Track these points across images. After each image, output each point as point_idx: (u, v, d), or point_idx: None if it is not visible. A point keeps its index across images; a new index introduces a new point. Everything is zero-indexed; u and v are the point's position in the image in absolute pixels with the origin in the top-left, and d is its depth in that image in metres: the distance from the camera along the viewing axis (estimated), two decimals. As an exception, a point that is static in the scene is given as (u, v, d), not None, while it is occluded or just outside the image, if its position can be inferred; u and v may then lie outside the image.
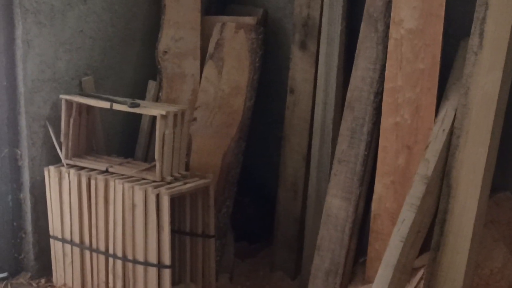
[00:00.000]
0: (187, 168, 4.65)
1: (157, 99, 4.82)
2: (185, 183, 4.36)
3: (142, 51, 4.90)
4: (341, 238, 4.23)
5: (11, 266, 4.74)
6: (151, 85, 4.84)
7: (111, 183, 4.36)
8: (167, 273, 4.28)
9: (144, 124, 4.87)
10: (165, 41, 4.82)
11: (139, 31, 4.87)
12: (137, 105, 4.38)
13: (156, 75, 4.88)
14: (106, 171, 4.46)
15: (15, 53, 4.49)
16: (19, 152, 4.62)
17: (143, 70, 4.90)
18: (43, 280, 4.71)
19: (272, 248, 4.87)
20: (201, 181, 4.42)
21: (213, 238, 4.53)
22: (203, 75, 4.78)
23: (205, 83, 4.78)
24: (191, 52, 4.81)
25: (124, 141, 4.91)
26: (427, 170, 3.68)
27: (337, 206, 4.24)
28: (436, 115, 3.84)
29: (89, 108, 4.59)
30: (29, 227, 4.69)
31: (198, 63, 4.80)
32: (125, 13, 4.78)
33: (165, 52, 4.82)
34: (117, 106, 4.42)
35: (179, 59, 4.81)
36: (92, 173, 4.44)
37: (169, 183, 4.33)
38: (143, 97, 4.84)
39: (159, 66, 4.85)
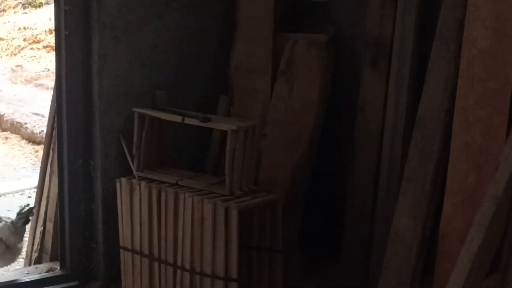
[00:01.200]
0: (256, 183, 4.68)
1: (228, 114, 4.87)
2: (254, 198, 4.39)
3: (214, 66, 4.96)
4: (408, 257, 4.21)
5: (81, 275, 4.84)
6: (223, 100, 4.90)
7: (181, 196, 4.42)
8: (234, 286, 4.31)
9: (215, 138, 4.92)
10: (237, 56, 4.88)
11: (212, 47, 4.94)
12: (209, 120, 4.45)
13: (227, 90, 4.93)
14: (176, 184, 4.51)
15: (92, 66, 4.60)
16: (92, 163, 4.72)
17: (215, 85, 4.96)
18: (112, 290, 4.80)
19: (339, 265, 4.86)
20: (269, 196, 4.45)
21: (279, 253, 4.55)
22: (274, 92, 4.82)
23: (276, 99, 4.82)
24: (263, 68, 4.85)
25: (195, 155, 4.97)
26: (497, 190, 3.63)
27: (404, 225, 4.22)
28: (507, 135, 3.80)
29: (161, 121, 4.66)
30: (100, 237, 4.79)
31: (269, 79, 4.84)
32: (199, 29, 4.85)
33: (237, 67, 4.88)
34: (188, 120, 4.49)
35: (251, 74, 4.87)
36: (162, 185, 4.51)
37: (238, 197, 4.36)
38: (214, 112, 4.89)
39: (230, 82, 4.91)
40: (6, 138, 8.77)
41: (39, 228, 5.32)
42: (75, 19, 4.54)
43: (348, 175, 4.75)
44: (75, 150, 4.69)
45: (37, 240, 5.34)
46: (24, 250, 5.74)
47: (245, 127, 4.37)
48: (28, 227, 5.99)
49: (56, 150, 4.89)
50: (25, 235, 4.99)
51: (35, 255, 5.36)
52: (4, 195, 7.17)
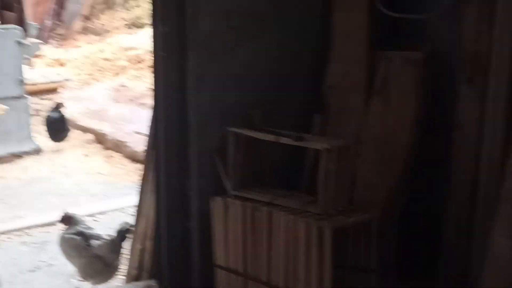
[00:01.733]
0: (351, 202, 4.65)
1: (322, 133, 4.86)
2: (348, 217, 4.36)
3: (309, 85, 4.96)
4: (508, 279, 4.10)
5: (181, 293, 4.89)
6: (317, 119, 4.89)
7: (275, 215, 4.42)
8: (327, 306, 4.29)
9: (309, 157, 4.91)
10: (332, 75, 4.87)
11: (307, 65, 4.94)
12: (302, 139, 4.45)
13: (322, 109, 4.92)
14: (270, 203, 4.52)
15: (187, 87, 4.66)
16: (188, 182, 4.77)
17: (309, 104, 4.95)
18: (208, 308, 4.83)
19: (435, 285, 4.77)
20: (364, 216, 4.41)
21: (374, 273, 4.50)
22: (369, 110, 4.78)
23: (371, 118, 4.78)
24: (358, 87, 4.82)
25: (290, 174, 4.96)
26: None
27: (503, 246, 4.11)
28: None
29: (256, 140, 4.68)
30: (196, 255, 4.83)
31: (364, 97, 4.81)
32: (294, 47, 4.86)
33: (332, 86, 4.87)
34: (282, 140, 4.50)
35: (346, 93, 4.84)
36: (256, 204, 4.52)
37: (331, 216, 4.34)
38: (308, 131, 4.88)
39: (325, 100, 4.89)
40: (109, 156, 8.97)
41: (138, 246, 5.40)
42: (170, 40, 4.61)
43: (444, 194, 4.67)
44: (171, 169, 4.75)
45: (136, 258, 5.42)
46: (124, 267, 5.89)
47: (339, 146, 4.35)
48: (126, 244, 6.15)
49: (153, 168, 4.96)
50: (122, 252, 5.05)
51: (134, 272, 5.44)
52: (106, 212, 7.32)
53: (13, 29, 9.10)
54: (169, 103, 4.70)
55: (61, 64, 13.72)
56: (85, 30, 15.40)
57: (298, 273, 4.35)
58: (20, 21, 9.35)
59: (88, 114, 10.70)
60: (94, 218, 7.11)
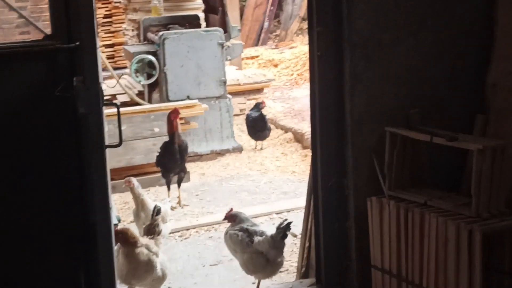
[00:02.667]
0: (509, 205, 4.47)
1: (483, 133, 4.70)
2: (502, 221, 4.21)
3: (471, 84, 4.80)
4: None
5: (336, 291, 4.92)
6: (479, 119, 4.74)
7: (426, 217, 4.35)
8: (477, 312, 4.17)
9: (470, 159, 4.76)
10: (494, 74, 4.70)
11: (467, 64, 4.78)
12: (456, 139, 4.34)
13: (483, 109, 4.76)
14: (425, 204, 4.45)
15: (343, 86, 4.68)
16: (345, 182, 4.79)
17: (470, 104, 4.80)
18: (364, 308, 4.83)
19: None
20: (520, 220, 4.24)
21: (532, 281, 4.31)
22: (532, 110, 4.58)
23: (534, 118, 4.57)
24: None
25: (451, 175, 4.83)
26: None
27: None
28: None
29: (414, 141, 4.61)
30: (353, 255, 4.84)
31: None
32: (454, 46, 4.74)
33: (494, 85, 4.69)
34: (436, 139, 4.42)
35: (508, 93, 4.65)
36: (410, 205, 4.47)
37: (484, 219, 4.21)
38: (470, 132, 4.74)
39: (487, 100, 4.73)
40: (306, 155, 9.10)
41: (306, 243, 5.48)
42: (326, 40, 4.65)
43: None
44: (328, 168, 4.78)
45: (304, 255, 5.51)
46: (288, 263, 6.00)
47: (493, 146, 4.21)
48: (291, 241, 6.26)
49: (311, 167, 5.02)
50: (283, 249, 5.14)
51: (302, 269, 5.53)
52: (294, 210, 7.46)
53: (216, 32, 9.46)
54: (325, 103, 4.73)
55: (274, 65, 14.07)
56: (301, 31, 15.68)
57: (448, 276, 4.26)
58: (223, 24, 9.69)
59: (291, 113, 10.91)
60: (281, 216, 7.26)
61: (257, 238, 5.08)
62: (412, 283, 4.48)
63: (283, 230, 5.01)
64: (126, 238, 5.07)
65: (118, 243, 5.07)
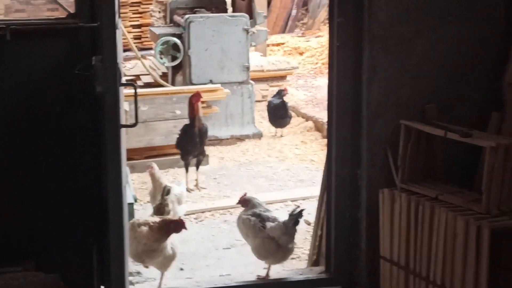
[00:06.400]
0: (521, 204, 4.48)
1: (499, 131, 4.71)
2: (511, 218, 4.23)
3: (488, 81, 4.80)
4: None
5: (345, 280, 4.97)
6: (494, 116, 4.74)
7: (436, 211, 4.38)
8: (482, 308, 4.20)
9: (484, 155, 4.77)
10: (511, 72, 4.70)
11: (487, 61, 4.78)
12: (469, 135, 4.36)
13: (500, 106, 4.76)
14: (436, 198, 4.47)
15: (361, 77, 4.71)
16: (359, 172, 4.82)
17: (488, 101, 4.80)
18: (373, 297, 4.87)
19: None
20: (529, 218, 4.26)
21: (538, 279, 4.33)
22: (548, 109, 4.58)
23: (550, 118, 4.57)
24: (538, 85, 4.63)
25: (465, 171, 4.85)
26: None
27: None
28: None
29: (429, 135, 4.63)
30: (363, 245, 4.88)
31: (545, 96, 4.60)
32: (474, 42, 4.74)
33: (511, 84, 4.69)
34: (450, 135, 4.43)
35: (525, 91, 4.67)
36: (421, 199, 4.49)
37: (494, 216, 4.23)
38: (485, 128, 4.75)
39: (504, 98, 4.74)
40: (325, 144, 9.10)
41: (318, 232, 5.52)
42: (346, 30, 4.68)
43: None
44: (343, 158, 4.82)
45: (315, 243, 5.55)
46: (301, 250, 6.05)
47: (506, 144, 4.23)
48: (305, 229, 6.30)
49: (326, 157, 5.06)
50: (294, 235, 5.18)
51: (313, 257, 5.57)
52: (309, 198, 7.50)
53: (241, 17, 9.49)
54: (343, 93, 4.76)
55: (300, 53, 14.08)
56: (329, 20, 15.64)
57: (455, 271, 4.28)
58: (250, 10, 9.71)
59: (313, 102, 10.92)
60: (296, 203, 7.30)
61: (269, 224, 5.12)
62: (419, 275, 4.51)
63: (296, 217, 5.05)
64: (179, 230, 5.11)
65: (157, 228, 5.11)
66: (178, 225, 5.11)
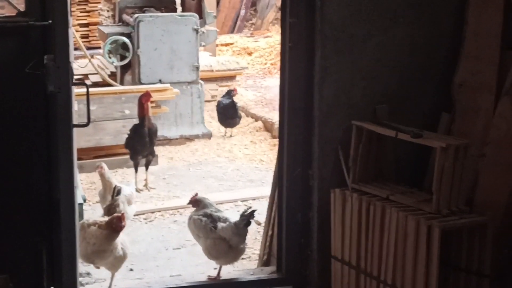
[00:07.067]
0: (471, 203, 4.54)
1: (448, 131, 4.77)
2: (461, 218, 4.29)
3: (438, 82, 4.87)
4: None
5: (296, 280, 4.99)
6: (444, 117, 4.81)
7: (387, 211, 4.42)
8: (431, 306, 4.25)
9: (434, 156, 4.83)
10: (461, 74, 4.77)
11: (437, 63, 4.85)
12: (420, 136, 4.41)
13: (449, 107, 4.83)
14: (387, 198, 4.51)
15: (313, 77, 4.73)
16: (310, 172, 4.84)
17: (437, 102, 4.87)
18: (323, 298, 4.89)
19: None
20: (478, 218, 4.32)
21: (487, 278, 4.39)
22: (496, 111, 4.64)
23: (498, 119, 4.64)
24: (487, 86, 4.70)
25: (415, 171, 4.90)
26: None
27: None
28: None
29: (380, 135, 4.67)
30: (315, 245, 4.90)
31: (493, 98, 4.67)
32: (424, 44, 4.80)
33: (461, 84, 4.76)
34: (401, 135, 4.48)
35: (474, 93, 4.73)
36: (372, 199, 4.53)
37: (444, 216, 4.28)
38: (435, 129, 4.81)
39: (453, 99, 4.80)
40: (275, 145, 9.12)
41: (269, 232, 5.53)
42: (298, 31, 4.69)
43: None
44: (294, 158, 4.84)
45: (266, 243, 5.55)
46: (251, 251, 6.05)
47: (456, 145, 4.29)
48: (255, 229, 6.31)
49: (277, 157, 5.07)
50: (245, 236, 5.18)
51: (264, 257, 5.58)
52: (259, 198, 7.51)
53: (191, 17, 9.46)
54: (294, 93, 4.77)
55: (249, 53, 14.09)
56: (277, 21, 15.69)
57: (406, 270, 4.33)
58: (199, 10, 9.69)
59: (262, 102, 10.94)
60: (246, 204, 7.31)
61: (220, 224, 5.11)
62: (370, 275, 4.55)
63: (247, 217, 5.05)
64: (120, 226, 5.07)
65: (105, 225, 5.07)
66: (118, 220, 5.08)
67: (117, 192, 5.76)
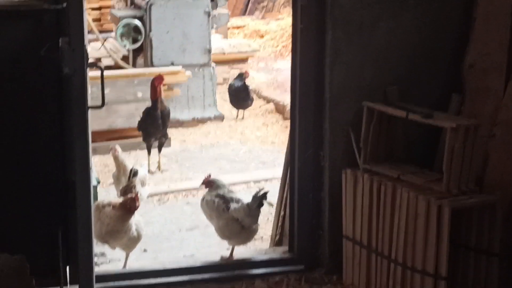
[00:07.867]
0: (480, 183, 4.59)
1: (458, 112, 4.81)
2: (470, 198, 4.34)
3: (448, 64, 4.90)
4: None
5: (308, 260, 5.04)
6: (454, 98, 4.85)
7: (398, 191, 4.47)
8: (442, 285, 4.30)
9: (444, 136, 4.87)
10: (471, 55, 4.80)
11: (447, 44, 4.88)
12: (431, 116, 4.46)
13: (460, 88, 4.86)
14: (398, 178, 4.56)
15: (324, 60, 4.77)
16: (322, 153, 4.89)
17: (448, 83, 4.90)
18: (334, 277, 4.95)
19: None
20: (488, 198, 4.37)
21: (496, 257, 4.44)
22: (506, 92, 4.68)
23: (508, 100, 4.67)
24: (497, 68, 4.73)
25: (426, 152, 4.94)
26: None
27: None
28: None
29: (391, 116, 4.71)
30: (326, 225, 4.96)
31: (503, 79, 4.71)
32: (434, 26, 4.83)
33: (471, 66, 4.80)
34: (412, 116, 4.52)
35: (484, 74, 4.76)
36: (383, 179, 4.58)
37: (454, 196, 4.33)
38: (446, 110, 4.85)
39: (463, 80, 4.83)
40: (287, 127, 9.17)
41: (281, 212, 5.58)
42: (309, 14, 4.73)
43: None
44: (306, 139, 4.89)
45: (279, 224, 5.61)
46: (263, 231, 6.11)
47: (466, 125, 4.33)
48: (267, 210, 6.35)
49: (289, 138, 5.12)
50: (258, 217, 5.23)
51: (276, 237, 5.64)
52: (271, 180, 7.56)
53: (202, 0, 9.49)
54: (306, 76, 4.82)
55: (260, 36, 14.10)
56: (289, 3, 15.68)
57: (416, 250, 4.38)
58: (210, -8, 9.72)
59: (274, 85, 10.98)
60: (259, 185, 7.36)
61: (233, 205, 5.17)
62: (381, 254, 4.61)
63: (259, 199, 5.10)
64: (134, 206, 5.15)
65: (119, 206, 5.15)
66: (132, 201, 5.15)
67: (133, 173, 5.82)
